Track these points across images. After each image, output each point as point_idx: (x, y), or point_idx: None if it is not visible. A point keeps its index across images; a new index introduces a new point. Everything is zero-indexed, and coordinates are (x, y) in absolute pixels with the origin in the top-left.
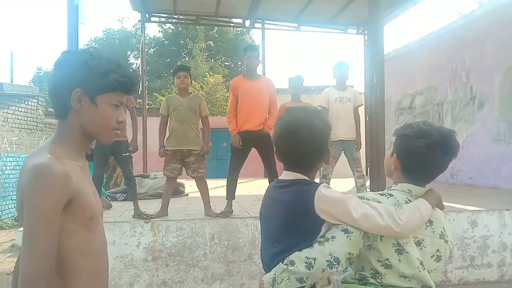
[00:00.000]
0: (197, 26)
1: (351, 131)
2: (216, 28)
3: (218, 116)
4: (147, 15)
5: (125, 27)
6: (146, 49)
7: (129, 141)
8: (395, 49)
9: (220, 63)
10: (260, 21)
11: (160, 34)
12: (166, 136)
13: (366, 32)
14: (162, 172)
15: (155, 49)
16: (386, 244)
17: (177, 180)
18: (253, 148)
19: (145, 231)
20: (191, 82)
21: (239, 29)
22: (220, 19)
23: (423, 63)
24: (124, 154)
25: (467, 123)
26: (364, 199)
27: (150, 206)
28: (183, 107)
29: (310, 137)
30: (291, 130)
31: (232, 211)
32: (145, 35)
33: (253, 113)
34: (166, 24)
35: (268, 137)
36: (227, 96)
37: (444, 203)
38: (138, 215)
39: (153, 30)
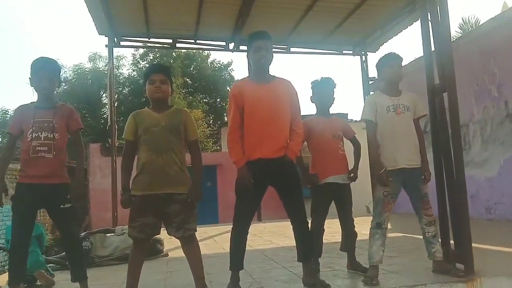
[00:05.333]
0: (173, 63)
1: (415, 154)
2: (193, 65)
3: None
4: (115, 39)
5: (97, 65)
6: (120, 89)
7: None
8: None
9: (199, 100)
10: (246, 44)
11: (134, 73)
12: (134, 175)
13: (363, 52)
14: None
15: (129, 88)
16: None
17: None
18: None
19: None
20: (172, 91)
21: (218, 65)
22: (201, 42)
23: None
24: (62, 206)
25: (504, 146)
26: None
27: (114, 280)
28: (159, 127)
29: None
30: None
31: None
32: (119, 73)
33: (268, 132)
34: (141, 62)
35: (292, 167)
36: (208, 133)
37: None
38: None
39: (126, 68)
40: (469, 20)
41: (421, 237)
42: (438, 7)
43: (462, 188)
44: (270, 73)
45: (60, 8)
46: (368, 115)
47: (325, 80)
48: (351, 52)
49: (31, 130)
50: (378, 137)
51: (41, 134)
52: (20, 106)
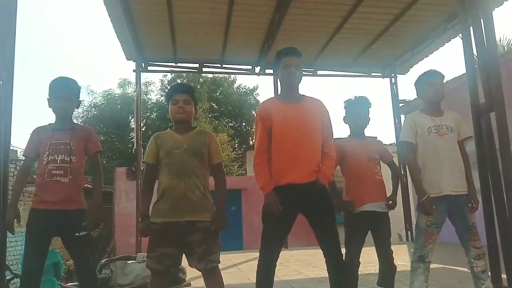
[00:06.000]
0: (200, 88)
1: (461, 180)
2: (219, 90)
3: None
4: (143, 64)
5: (126, 91)
6: (148, 114)
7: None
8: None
9: (224, 124)
10: (272, 67)
11: (162, 98)
12: (154, 201)
13: (393, 74)
14: None
15: (157, 113)
16: None
17: None
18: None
19: None
20: (196, 111)
21: (243, 90)
22: (227, 66)
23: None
24: (77, 234)
25: None
26: None
27: None
28: (182, 150)
29: None
30: None
31: None
32: (147, 99)
33: (298, 155)
34: (168, 86)
35: (324, 193)
36: (233, 157)
37: None
38: None
39: (155, 94)
40: (500, 41)
41: (463, 269)
42: (482, 21)
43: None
44: (299, 92)
45: (93, 35)
46: (408, 137)
47: (360, 99)
48: (380, 74)
49: (47, 152)
50: (418, 161)
51: (57, 157)
52: (37, 128)
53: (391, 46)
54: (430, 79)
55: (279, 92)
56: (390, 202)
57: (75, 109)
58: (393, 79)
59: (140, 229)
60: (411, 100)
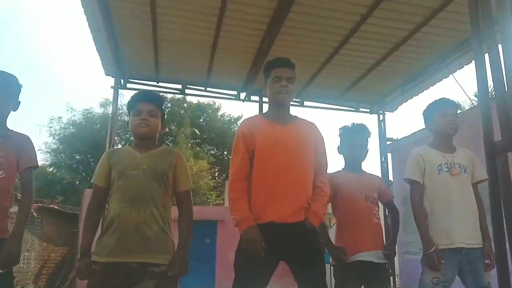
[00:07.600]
0: (183, 113)
1: (476, 230)
2: (203, 116)
3: (201, 206)
4: (122, 80)
5: (107, 111)
6: (127, 135)
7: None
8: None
9: (206, 151)
10: (258, 94)
11: None
12: (99, 234)
13: (381, 111)
14: None
15: None
16: None
17: None
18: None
19: None
20: (164, 127)
21: (228, 118)
22: (211, 90)
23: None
24: None
25: None
26: None
27: None
28: (140, 171)
29: None
30: None
31: None
32: (128, 120)
33: (285, 187)
34: None
35: (314, 237)
36: (212, 185)
37: None
38: None
39: None
40: None
41: None
42: (501, 46)
43: None
44: (290, 112)
45: (77, 51)
46: (414, 175)
47: (358, 126)
48: (368, 110)
49: None
50: (425, 204)
51: None
52: None
53: (381, 81)
54: (442, 108)
55: (268, 106)
56: (388, 251)
57: (12, 111)
58: (381, 116)
59: (77, 269)
60: (398, 138)
